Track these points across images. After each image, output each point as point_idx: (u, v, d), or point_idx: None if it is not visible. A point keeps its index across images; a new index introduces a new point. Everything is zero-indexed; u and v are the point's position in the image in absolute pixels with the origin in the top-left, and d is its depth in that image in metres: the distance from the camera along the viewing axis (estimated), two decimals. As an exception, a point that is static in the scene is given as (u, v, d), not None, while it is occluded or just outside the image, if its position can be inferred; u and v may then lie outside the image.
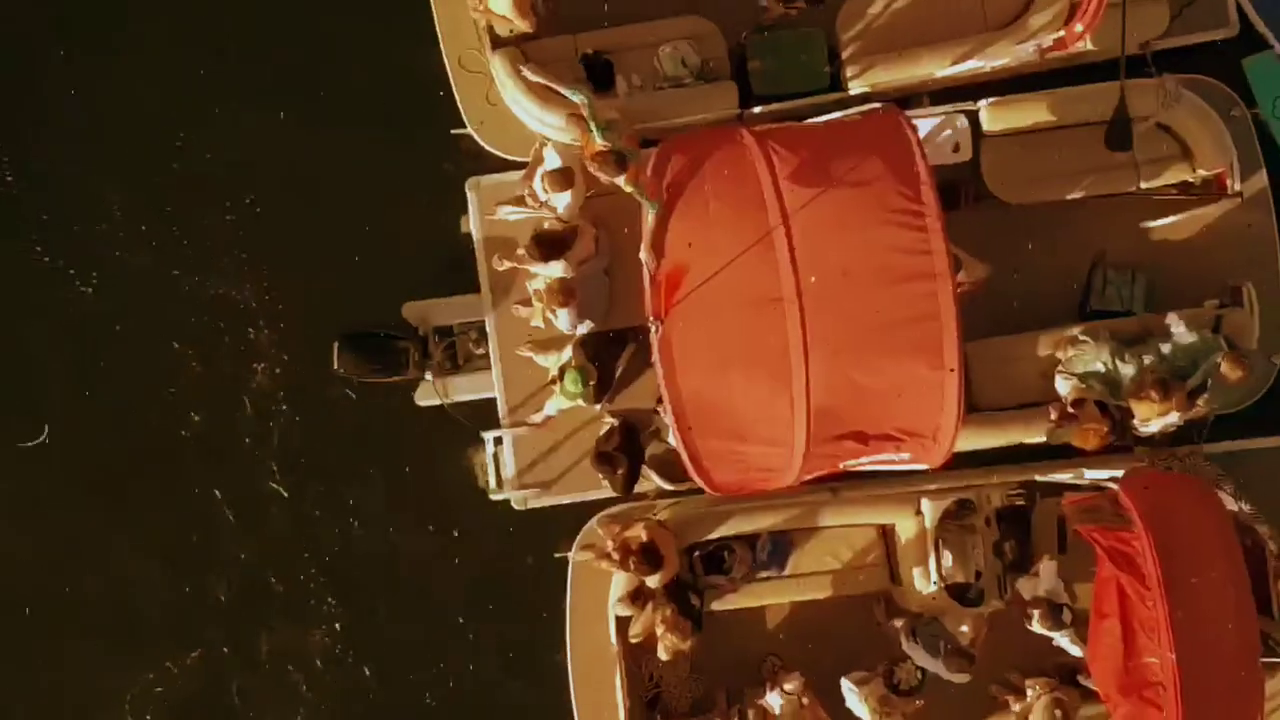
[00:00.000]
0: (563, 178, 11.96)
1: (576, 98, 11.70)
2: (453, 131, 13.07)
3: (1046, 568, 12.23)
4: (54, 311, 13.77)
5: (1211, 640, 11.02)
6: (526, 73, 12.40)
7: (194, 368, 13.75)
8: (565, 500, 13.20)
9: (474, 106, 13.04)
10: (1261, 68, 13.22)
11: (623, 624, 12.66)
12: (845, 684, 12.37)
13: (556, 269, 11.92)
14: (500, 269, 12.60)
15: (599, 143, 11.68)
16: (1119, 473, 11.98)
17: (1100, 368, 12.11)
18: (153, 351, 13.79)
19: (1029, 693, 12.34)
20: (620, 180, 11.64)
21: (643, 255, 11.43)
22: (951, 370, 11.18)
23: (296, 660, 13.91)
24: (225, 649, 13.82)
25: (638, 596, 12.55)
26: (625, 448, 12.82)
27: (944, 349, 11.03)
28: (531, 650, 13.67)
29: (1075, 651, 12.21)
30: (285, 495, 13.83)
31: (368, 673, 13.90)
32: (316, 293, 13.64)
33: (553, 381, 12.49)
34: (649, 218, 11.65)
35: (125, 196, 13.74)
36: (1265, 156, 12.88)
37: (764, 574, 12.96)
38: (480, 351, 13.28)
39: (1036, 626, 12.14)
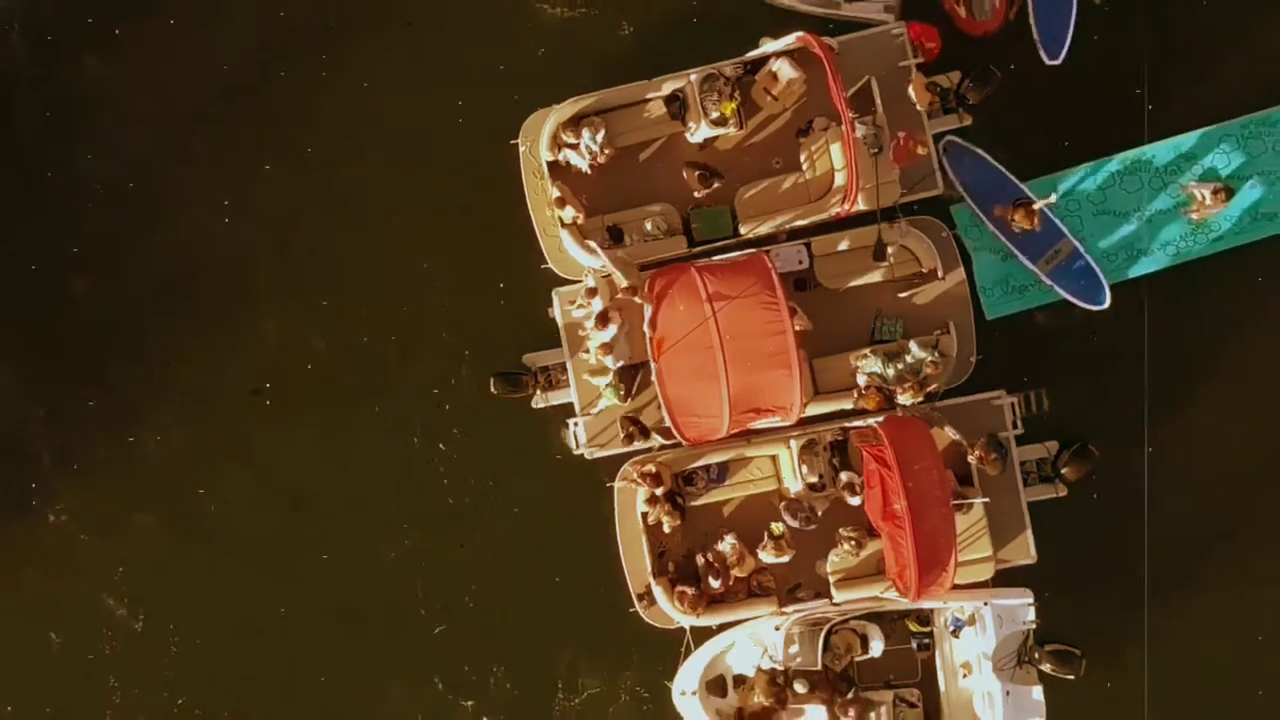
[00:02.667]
0: (594, 293, 17.49)
1: (619, 275, 17.02)
2: (541, 266, 18.31)
3: (846, 474, 17.73)
4: (334, 336, 19.02)
5: (926, 496, 16.46)
6: (599, 252, 17.03)
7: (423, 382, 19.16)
8: (612, 454, 18.14)
9: (552, 253, 18.22)
10: (961, 212, 18.76)
11: (644, 515, 17.56)
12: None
13: (604, 336, 17.24)
14: (580, 334, 17.72)
15: (621, 284, 17.18)
16: (882, 418, 17.39)
17: (878, 369, 17.72)
18: (418, 369, 18.90)
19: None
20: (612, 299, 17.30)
21: (645, 329, 17.09)
22: (797, 374, 16.72)
23: (459, 530, 19.21)
24: (431, 534, 19.25)
25: (651, 501, 17.45)
26: (639, 431, 17.81)
27: (791, 365, 16.70)
28: (595, 531, 18.40)
29: (855, 502, 17.66)
30: (459, 449, 18.90)
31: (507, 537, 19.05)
32: (481, 343, 18.93)
33: (601, 392, 17.77)
34: (646, 310, 17.03)
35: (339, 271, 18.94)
36: (961, 257, 18.44)
37: (714, 486, 17.98)
38: (563, 378, 18.27)
39: (844, 496, 17.99)
